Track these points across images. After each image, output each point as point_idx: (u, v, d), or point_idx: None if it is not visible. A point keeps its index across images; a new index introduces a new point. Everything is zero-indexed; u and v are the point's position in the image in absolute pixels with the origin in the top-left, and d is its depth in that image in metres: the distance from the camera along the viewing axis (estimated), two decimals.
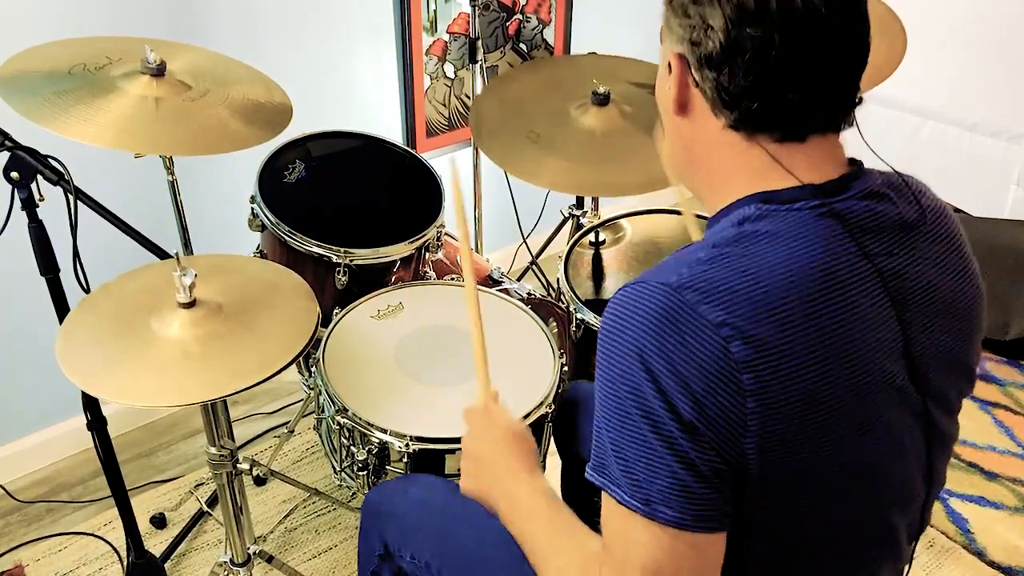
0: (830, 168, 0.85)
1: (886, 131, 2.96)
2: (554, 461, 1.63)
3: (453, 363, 1.56)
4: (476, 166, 2.38)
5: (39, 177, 1.33)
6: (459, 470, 1.10)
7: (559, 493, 1.73)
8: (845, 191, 0.84)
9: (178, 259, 1.26)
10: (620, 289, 0.83)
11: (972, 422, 2.31)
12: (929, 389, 0.88)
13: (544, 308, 1.79)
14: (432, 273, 1.85)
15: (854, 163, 0.89)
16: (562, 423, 1.56)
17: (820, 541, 0.87)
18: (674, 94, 0.87)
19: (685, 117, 0.88)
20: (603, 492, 0.83)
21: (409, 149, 2.00)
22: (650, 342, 0.77)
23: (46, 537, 1.97)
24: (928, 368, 0.87)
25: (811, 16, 0.78)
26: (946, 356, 0.89)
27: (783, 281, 0.79)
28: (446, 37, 2.37)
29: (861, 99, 0.85)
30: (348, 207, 1.88)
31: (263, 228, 1.78)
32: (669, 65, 0.87)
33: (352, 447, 1.48)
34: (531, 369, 1.56)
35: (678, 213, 1.98)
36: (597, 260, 1.95)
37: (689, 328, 0.76)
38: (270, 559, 1.75)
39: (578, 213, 2.25)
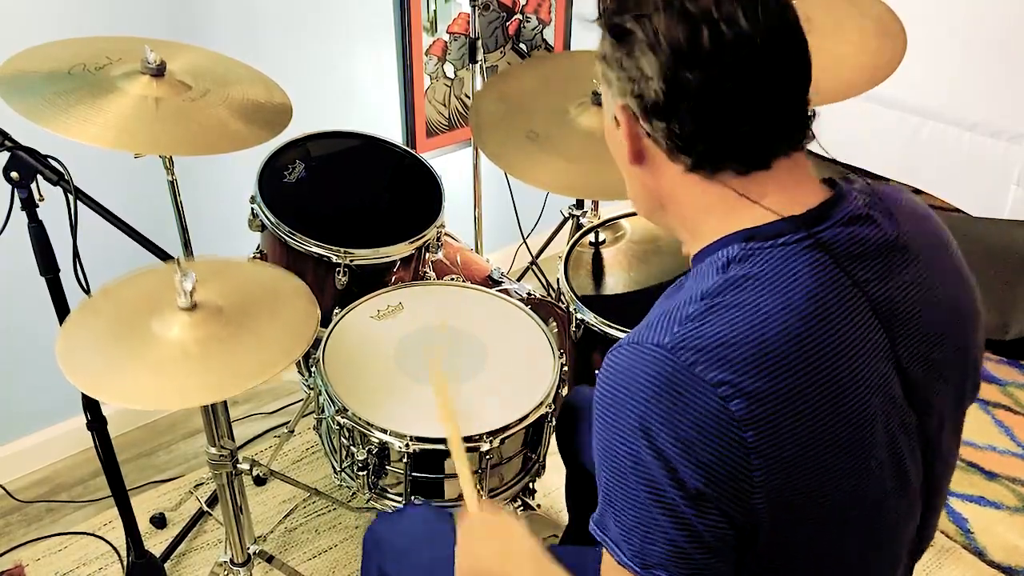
0: (806, 193, 0.83)
1: (886, 131, 2.96)
2: (553, 461, 1.63)
3: (453, 363, 1.56)
4: (476, 166, 2.38)
5: (39, 177, 1.33)
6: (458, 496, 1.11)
7: (563, 493, 1.74)
8: (827, 219, 0.82)
9: (179, 263, 1.26)
10: (614, 349, 0.81)
11: (972, 422, 2.29)
12: (925, 407, 0.87)
13: (544, 308, 1.79)
14: (432, 273, 1.85)
15: (831, 184, 0.86)
16: (564, 431, 1.56)
17: (829, 570, 0.87)
18: (627, 147, 0.85)
19: (643, 167, 0.86)
20: (603, 548, 0.83)
21: (409, 149, 2.01)
22: (650, 409, 0.75)
23: (46, 537, 1.97)
24: (924, 387, 0.86)
25: (745, 46, 0.76)
26: (943, 370, 0.87)
27: (776, 328, 0.77)
28: (446, 37, 2.37)
29: (814, 113, 0.82)
30: (348, 207, 1.88)
31: (263, 228, 1.78)
32: (616, 118, 0.85)
33: (352, 447, 1.48)
34: (531, 369, 1.56)
35: None
36: (597, 260, 1.95)
37: (688, 391, 0.75)
38: (270, 559, 1.75)
39: (578, 213, 2.25)
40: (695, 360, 0.75)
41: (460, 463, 1.20)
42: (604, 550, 0.83)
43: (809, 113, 0.82)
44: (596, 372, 0.85)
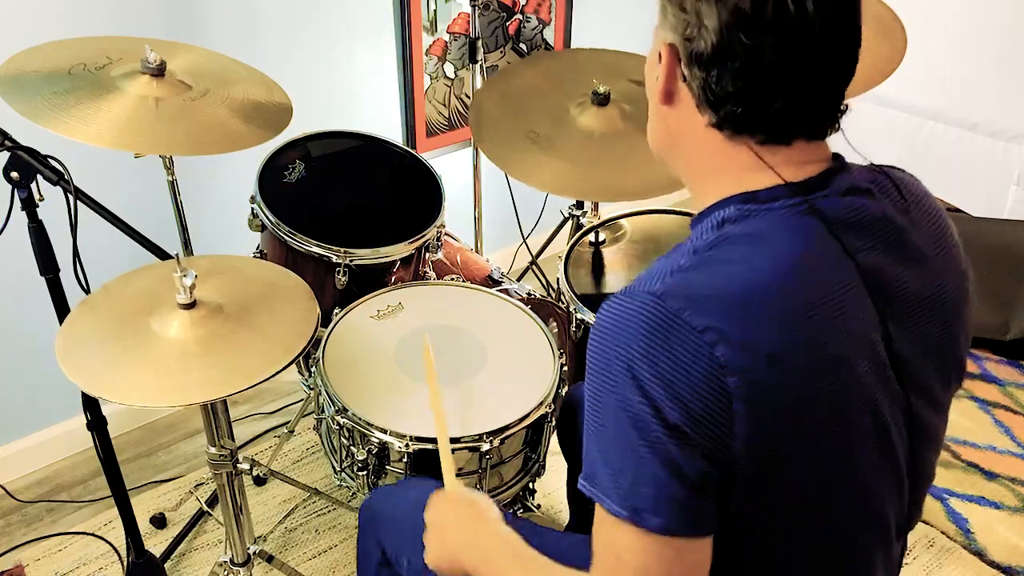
0: (812, 165, 0.86)
1: (886, 131, 2.96)
2: (553, 461, 1.63)
3: (453, 363, 1.56)
4: (476, 166, 2.38)
5: (39, 177, 1.33)
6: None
7: (563, 494, 1.74)
8: (825, 187, 0.85)
9: (178, 260, 1.26)
10: (608, 300, 0.83)
11: (972, 422, 2.31)
12: (910, 381, 0.88)
13: (544, 308, 1.79)
14: (432, 273, 1.85)
15: (837, 158, 0.89)
16: (565, 426, 1.56)
17: (813, 534, 0.88)
18: (662, 83, 0.87)
19: (671, 107, 0.88)
20: (595, 503, 0.83)
21: (409, 149, 2.01)
22: (636, 350, 0.78)
23: (46, 537, 1.97)
24: (909, 361, 0.87)
25: (805, 26, 0.78)
26: (929, 349, 0.89)
27: (765, 282, 0.79)
28: (446, 37, 2.37)
29: (847, 107, 0.85)
30: (348, 207, 1.88)
31: (263, 228, 1.78)
32: (660, 53, 0.87)
33: (352, 447, 1.48)
34: (531, 369, 1.56)
35: (678, 213, 1.98)
36: (597, 260, 1.95)
37: (674, 334, 0.77)
38: (270, 559, 1.75)
39: (578, 213, 2.25)
40: (683, 306, 0.78)
41: (443, 442, 1.22)
42: (597, 507, 0.83)
43: (841, 107, 0.85)
44: None
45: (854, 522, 0.89)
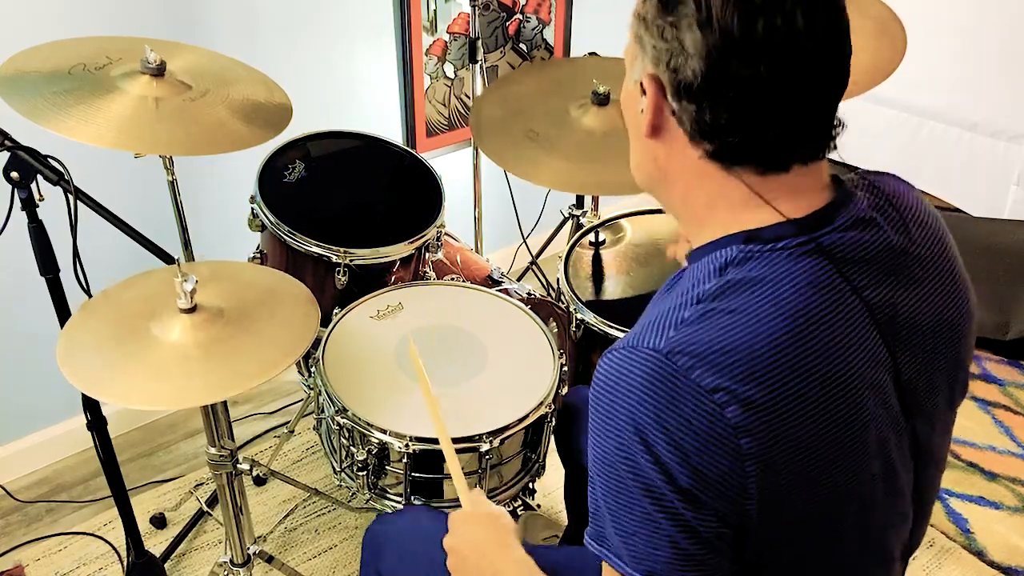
0: (814, 196, 0.82)
1: (886, 131, 2.96)
2: (553, 461, 1.63)
3: (453, 363, 1.56)
4: (476, 166, 2.38)
5: (39, 177, 1.33)
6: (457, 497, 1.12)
7: (563, 493, 1.74)
8: (830, 223, 0.81)
9: (179, 265, 1.26)
10: (608, 352, 0.80)
11: (972, 422, 2.31)
12: (917, 411, 0.87)
13: (544, 308, 1.79)
14: (432, 273, 1.85)
15: (837, 183, 0.85)
16: (562, 431, 1.55)
17: (818, 570, 0.87)
18: (648, 118, 0.82)
19: (658, 141, 0.83)
20: (603, 561, 0.82)
21: (409, 149, 2.01)
22: (645, 413, 0.75)
23: (46, 537, 1.97)
24: (917, 390, 0.86)
25: (797, 44, 0.74)
26: (936, 372, 0.87)
27: (772, 335, 0.76)
28: (446, 37, 2.37)
29: (841, 123, 0.80)
30: (348, 207, 1.88)
31: (263, 228, 1.78)
32: (641, 85, 0.81)
33: (352, 447, 1.48)
34: (531, 369, 1.56)
35: None
36: (597, 260, 1.95)
37: (683, 396, 0.74)
38: (270, 559, 1.75)
39: (578, 213, 2.25)
40: (691, 365, 0.74)
41: (450, 457, 1.21)
42: (604, 564, 0.82)
43: (836, 124, 0.80)
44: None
45: (861, 558, 0.88)
